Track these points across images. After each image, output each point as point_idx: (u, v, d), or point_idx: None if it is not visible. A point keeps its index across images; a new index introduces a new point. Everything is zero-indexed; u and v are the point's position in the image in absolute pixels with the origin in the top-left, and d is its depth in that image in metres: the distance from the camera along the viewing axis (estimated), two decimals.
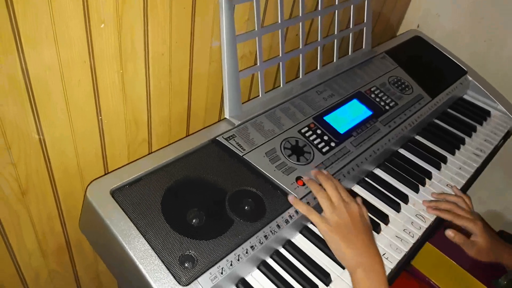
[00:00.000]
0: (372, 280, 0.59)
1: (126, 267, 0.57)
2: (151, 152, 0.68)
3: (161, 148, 0.67)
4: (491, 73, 1.16)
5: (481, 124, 1.02)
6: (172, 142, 0.69)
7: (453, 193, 0.81)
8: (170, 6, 0.59)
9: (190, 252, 0.56)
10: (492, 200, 1.34)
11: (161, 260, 0.54)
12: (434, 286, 1.15)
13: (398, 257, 0.67)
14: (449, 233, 0.76)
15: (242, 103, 0.77)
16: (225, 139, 0.71)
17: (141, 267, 0.53)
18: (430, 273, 1.25)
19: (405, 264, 0.69)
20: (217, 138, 0.71)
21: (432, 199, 0.79)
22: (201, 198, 0.63)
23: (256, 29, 0.74)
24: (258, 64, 0.77)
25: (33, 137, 0.56)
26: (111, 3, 0.52)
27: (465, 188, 0.86)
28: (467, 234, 0.78)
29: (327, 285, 0.61)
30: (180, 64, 0.68)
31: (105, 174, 0.70)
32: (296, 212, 0.66)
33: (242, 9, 0.71)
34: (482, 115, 1.05)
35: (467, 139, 0.96)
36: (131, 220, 0.57)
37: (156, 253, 0.55)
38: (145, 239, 0.56)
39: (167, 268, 0.53)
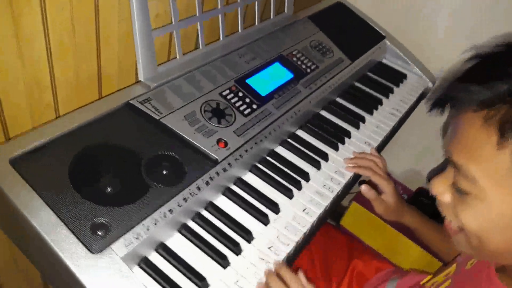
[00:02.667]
0: None
1: (35, 243, 0.52)
2: (58, 117, 0.62)
3: (68, 113, 0.62)
4: (408, 39, 1.21)
5: (397, 86, 1.07)
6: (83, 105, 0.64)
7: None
8: None
9: (102, 220, 0.53)
10: (411, 160, 1.43)
11: (70, 230, 0.50)
12: (363, 243, 1.22)
13: (318, 211, 0.69)
14: (363, 187, 0.80)
15: (159, 65, 0.73)
16: (139, 102, 0.68)
17: (47, 238, 0.49)
18: (359, 231, 1.33)
19: (325, 219, 0.72)
20: (130, 102, 0.67)
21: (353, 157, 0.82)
22: (114, 165, 0.60)
23: None
24: (173, 23, 0.73)
25: None
26: None
27: (381, 146, 0.91)
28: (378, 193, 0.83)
29: (249, 242, 0.62)
30: (84, 21, 0.63)
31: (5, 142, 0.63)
32: (217, 173, 0.64)
33: None
34: (399, 77, 1.10)
35: (384, 100, 1.00)
36: (35, 190, 0.52)
37: (64, 222, 0.51)
38: (51, 209, 0.51)
39: (76, 237, 0.50)
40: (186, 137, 0.66)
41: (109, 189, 0.57)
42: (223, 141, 0.68)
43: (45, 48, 0.59)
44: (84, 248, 0.50)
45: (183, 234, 0.60)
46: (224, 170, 0.65)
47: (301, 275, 0.60)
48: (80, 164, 0.58)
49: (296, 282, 0.58)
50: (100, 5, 0.63)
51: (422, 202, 1.33)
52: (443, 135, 0.51)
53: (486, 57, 0.49)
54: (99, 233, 0.52)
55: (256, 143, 0.72)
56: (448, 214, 0.53)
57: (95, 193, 0.56)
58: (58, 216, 0.51)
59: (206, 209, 0.64)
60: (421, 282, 0.82)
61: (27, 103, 0.62)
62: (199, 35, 0.79)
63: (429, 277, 0.82)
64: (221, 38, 0.85)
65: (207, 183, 0.63)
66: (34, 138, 0.57)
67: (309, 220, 0.67)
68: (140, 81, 0.71)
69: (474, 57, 0.50)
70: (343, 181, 0.76)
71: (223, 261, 0.58)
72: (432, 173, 0.58)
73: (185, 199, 0.59)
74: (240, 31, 0.89)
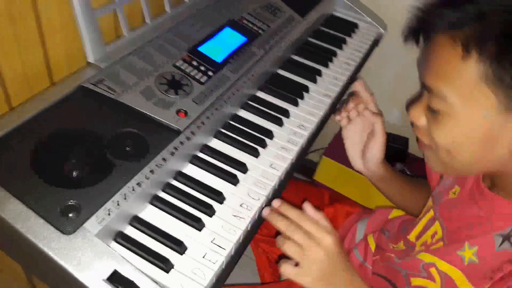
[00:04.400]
0: None
1: (9, 236, 0.53)
2: (11, 109, 0.62)
3: (20, 104, 0.61)
4: None
5: (350, 36, 1.09)
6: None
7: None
8: None
9: (71, 202, 0.54)
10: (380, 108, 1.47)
11: (40, 216, 0.51)
12: (339, 194, 1.26)
13: (284, 164, 0.71)
14: (356, 84, 0.81)
15: (107, 45, 0.72)
16: (93, 84, 0.67)
17: (18, 227, 0.50)
18: (332, 183, 1.37)
19: (293, 172, 0.74)
20: (83, 85, 0.67)
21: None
22: (76, 149, 0.60)
23: None
24: (116, 0, 0.72)
25: None
26: None
27: (338, 97, 0.92)
28: None
29: (221, 203, 0.64)
30: (21, 9, 0.61)
31: None
32: (181, 143, 0.66)
33: None
34: (350, 27, 1.11)
35: (338, 51, 1.02)
36: None
37: (32, 210, 0.51)
38: (17, 199, 0.52)
39: (47, 221, 0.51)
40: (145, 112, 0.67)
41: (74, 173, 0.57)
42: (183, 111, 0.69)
43: None
44: (57, 231, 0.51)
45: (155, 205, 0.61)
46: (188, 138, 0.67)
47: (307, 205, 0.61)
48: (41, 152, 0.58)
49: (305, 218, 0.59)
50: None
51: (390, 146, 1.38)
52: (418, 67, 0.56)
53: None
54: (70, 215, 0.53)
55: (216, 109, 0.73)
56: (423, 136, 0.58)
57: (60, 178, 0.56)
58: (26, 205, 0.51)
59: (175, 178, 0.66)
60: (390, 216, 0.86)
61: None
62: (144, 10, 0.78)
63: (397, 211, 0.86)
64: (167, 10, 0.84)
65: (172, 153, 0.64)
66: None
67: (277, 174, 0.70)
68: (90, 63, 0.70)
69: None
70: (306, 133, 0.78)
71: (197, 224, 0.60)
72: (409, 102, 0.62)
73: (152, 171, 0.61)
74: (186, 1, 0.89)
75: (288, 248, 0.57)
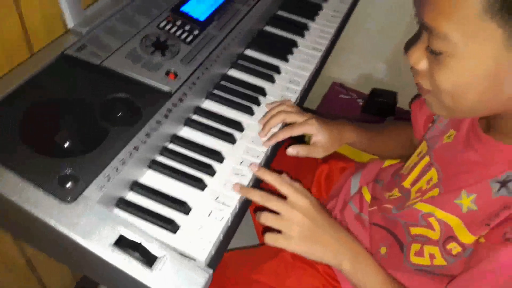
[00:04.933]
0: (361, 268, 0.59)
1: (11, 212, 0.52)
2: None
3: (1, 76, 0.58)
4: None
5: None
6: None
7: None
8: None
9: (68, 171, 0.52)
10: (358, 65, 1.46)
11: (39, 187, 0.50)
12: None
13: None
14: (290, 150, 0.68)
15: (85, 9, 0.69)
16: (75, 51, 0.64)
17: (17, 201, 0.48)
18: None
19: None
20: (65, 53, 0.64)
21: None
22: (66, 118, 0.58)
23: None
24: None
25: None
26: None
27: (328, 52, 0.91)
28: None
29: (220, 162, 0.63)
30: None
31: None
32: (174, 105, 0.64)
33: None
34: None
35: (323, 4, 0.99)
36: None
37: (30, 182, 0.50)
38: (13, 172, 0.50)
39: (47, 192, 0.49)
40: (133, 75, 0.64)
41: (67, 141, 0.55)
42: (172, 72, 0.67)
43: None
44: (57, 201, 0.49)
45: (154, 169, 0.60)
46: (180, 100, 0.65)
47: (284, 175, 0.62)
48: (31, 123, 0.55)
49: (281, 181, 0.59)
50: None
51: (378, 101, 1.38)
52: (415, 3, 0.51)
53: None
54: (68, 184, 0.51)
55: (206, 68, 0.71)
56: (424, 81, 0.54)
57: (54, 148, 0.54)
58: (22, 177, 0.50)
59: (172, 142, 0.64)
60: (383, 166, 0.86)
61: None
62: None
63: (390, 161, 0.86)
64: None
65: (166, 116, 0.62)
66: None
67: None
68: (70, 29, 0.67)
69: None
70: (299, 88, 0.77)
71: (199, 184, 0.59)
72: (407, 44, 0.58)
73: (147, 135, 0.59)
74: None
75: (265, 219, 0.57)
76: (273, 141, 0.67)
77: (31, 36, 0.67)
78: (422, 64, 0.53)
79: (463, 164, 0.59)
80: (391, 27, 1.34)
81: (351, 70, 1.48)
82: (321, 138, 0.70)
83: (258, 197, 0.58)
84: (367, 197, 0.81)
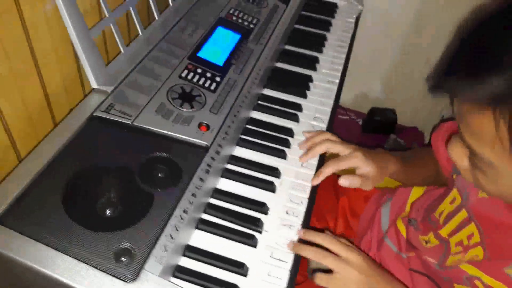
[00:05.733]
0: None
1: None
2: (25, 157, 0.55)
3: (34, 149, 0.55)
4: None
5: (333, 17, 1.07)
6: (41, 136, 0.57)
7: None
8: None
9: (122, 245, 0.49)
10: (357, 85, 1.48)
11: (95, 268, 0.47)
12: None
13: (315, 162, 0.70)
14: (342, 181, 0.69)
15: (106, 65, 0.66)
16: (103, 111, 0.62)
17: (77, 286, 0.45)
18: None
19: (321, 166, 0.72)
20: (94, 114, 0.61)
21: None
22: (108, 187, 0.55)
23: None
24: (107, 15, 0.66)
25: None
26: None
27: (341, 81, 0.92)
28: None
29: (266, 214, 0.61)
30: (16, 42, 0.54)
31: None
32: (213, 158, 0.62)
33: None
34: (331, 8, 1.10)
35: (327, 34, 1.01)
36: (40, 241, 0.47)
37: (86, 263, 0.47)
38: (66, 254, 0.47)
39: (105, 273, 0.47)
40: (166, 132, 0.62)
41: (114, 212, 0.53)
42: (204, 124, 0.65)
43: None
44: (118, 281, 0.47)
45: (202, 229, 0.58)
46: (217, 152, 0.63)
47: (327, 232, 0.61)
48: (73, 197, 0.52)
49: (330, 240, 0.59)
50: (27, 22, 0.55)
51: (378, 120, 1.40)
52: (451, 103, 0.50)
53: (474, 38, 0.45)
54: (124, 259, 0.49)
55: (235, 116, 0.70)
56: (467, 175, 0.53)
57: (100, 221, 0.52)
58: (77, 259, 0.47)
59: (212, 197, 0.63)
60: (409, 198, 0.85)
61: None
62: (135, 20, 0.73)
63: (416, 190, 0.85)
64: (156, 17, 0.79)
65: (207, 171, 0.60)
66: (12, 186, 0.51)
67: (310, 173, 0.68)
68: (94, 88, 0.64)
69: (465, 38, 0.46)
70: (324, 125, 0.77)
71: (252, 241, 0.57)
72: (449, 138, 0.55)
73: (193, 195, 0.57)
74: (171, 4, 0.83)
75: (320, 280, 0.58)
76: (321, 178, 0.67)
77: (52, 100, 0.65)
78: (464, 162, 0.52)
79: (507, 230, 0.56)
80: (382, 47, 1.37)
81: (348, 91, 1.50)
82: (368, 171, 0.69)
83: (312, 254, 0.58)
84: (403, 231, 0.78)
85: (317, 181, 0.67)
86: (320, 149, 0.69)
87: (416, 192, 0.85)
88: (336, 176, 0.99)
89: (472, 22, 0.45)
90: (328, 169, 0.68)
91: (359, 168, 0.69)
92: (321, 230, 0.62)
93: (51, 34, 0.60)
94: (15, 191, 0.50)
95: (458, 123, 0.49)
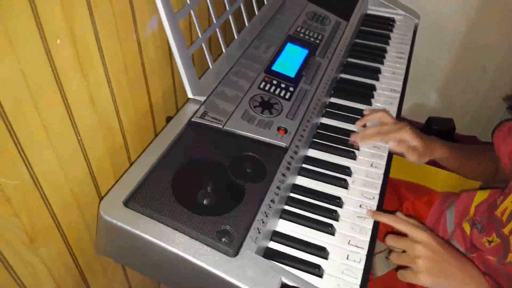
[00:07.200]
0: None
1: (175, 266, 0.57)
2: (139, 156, 0.66)
3: (145, 149, 0.66)
4: None
5: (391, 31, 1.14)
6: (144, 137, 0.68)
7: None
8: (112, 6, 0.57)
9: (223, 227, 0.58)
10: (413, 95, 1.52)
11: (205, 244, 0.56)
12: (400, 180, 1.25)
13: (383, 162, 0.76)
14: (391, 145, 0.77)
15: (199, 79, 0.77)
16: (199, 117, 0.72)
17: (191, 258, 0.54)
18: (400, 174, 1.39)
19: (389, 167, 0.79)
20: (192, 120, 0.72)
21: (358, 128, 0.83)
22: (208, 178, 0.65)
23: (188, 2, 0.73)
24: (200, 35, 0.77)
25: (25, 179, 0.52)
26: (59, 15, 0.49)
27: (403, 91, 0.97)
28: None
29: (341, 207, 0.68)
30: (132, 58, 0.66)
31: (104, 195, 0.67)
32: (291, 157, 0.70)
33: None
34: (389, 23, 1.17)
35: (387, 47, 1.07)
36: (160, 221, 0.57)
37: (197, 240, 0.56)
38: (181, 232, 0.57)
39: (212, 248, 0.56)
40: (252, 135, 0.71)
41: (213, 200, 0.62)
42: (282, 128, 0.74)
43: (109, 93, 0.63)
44: (224, 255, 0.55)
45: (285, 219, 0.66)
46: (295, 152, 0.71)
47: (398, 213, 0.67)
48: (178, 187, 0.62)
49: (398, 220, 0.65)
50: (141, 39, 0.66)
51: (436, 129, 1.43)
52: None
53: None
54: (225, 239, 0.57)
55: (308, 121, 0.78)
56: None
57: (203, 207, 0.61)
58: (189, 236, 0.56)
59: (292, 191, 0.71)
60: (474, 202, 0.88)
61: (107, 151, 0.66)
62: (220, 40, 0.83)
63: (480, 194, 0.88)
64: (235, 37, 0.89)
65: (288, 168, 0.69)
66: (131, 178, 0.61)
67: (380, 172, 0.74)
68: (190, 99, 0.75)
69: None
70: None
71: (330, 229, 0.64)
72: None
73: (278, 187, 0.65)
74: (247, 25, 0.94)
75: (395, 259, 0.64)
76: (365, 142, 0.78)
77: (154, 108, 0.76)
78: None
79: None
80: (439, 55, 1.41)
81: (404, 101, 1.54)
82: (416, 144, 0.77)
83: (386, 219, 0.65)
84: (469, 233, 0.82)
85: (359, 142, 0.77)
86: (374, 140, 0.78)
87: (480, 196, 0.88)
88: (398, 182, 1.04)
89: None
90: (376, 137, 0.77)
91: (407, 141, 0.77)
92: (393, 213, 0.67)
93: (156, 51, 0.72)
94: (135, 180, 0.61)
95: None
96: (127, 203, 0.59)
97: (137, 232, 0.56)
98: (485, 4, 1.26)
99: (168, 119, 0.73)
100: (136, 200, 0.59)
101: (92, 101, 0.59)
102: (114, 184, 0.60)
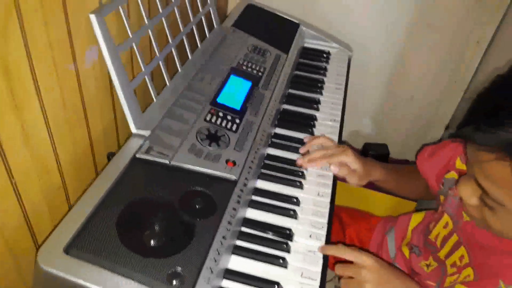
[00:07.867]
0: None
1: None
2: (79, 197, 0.61)
3: (86, 190, 0.62)
4: (319, 18, 1.35)
5: (328, 63, 1.20)
6: (84, 177, 0.64)
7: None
8: (47, 35, 0.54)
9: (173, 269, 0.56)
10: (351, 122, 1.59)
11: None
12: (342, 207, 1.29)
13: (328, 190, 0.78)
14: (334, 169, 0.80)
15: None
16: (144, 153, 0.69)
17: None
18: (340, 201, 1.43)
19: (334, 194, 0.81)
20: (136, 156, 0.69)
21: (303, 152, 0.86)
22: (153, 218, 0.62)
23: (130, 35, 0.71)
24: (143, 69, 0.75)
25: None
26: None
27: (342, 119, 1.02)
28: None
29: (291, 239, 0.69)
30: (71, 93, 0.63)
31: (41, 243, 0.61)
32: (241, 190, 0.70)
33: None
34: (325, 55, 1.23)
35: (324, 78, 1.12)
36: (105, 268, 0.53)
37: (146, 285, 0.53)
38: (129, 278, 0.53)
39: None
40: (200, 168, 0.70)
41: (162, 240, 0.59)
42: (231, 160, 0.73)
43: (46, 132, 0.59)
44: None
45: (238, 255, 0.65)
46: (245, 185, 0.71)
47: (340, 244, 0.69)
48: (124, 229, 0.59)
49: (343, 250, 0.67)
50: (80, 73, 0.63)
51: (372, 155, 1.50)
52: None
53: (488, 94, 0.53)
54: (176, 282, 0.55)
55: (256, 152, 0.78)
56: (474, 212, 0.58)
57: (152, 249, 0.58)
58: (139, 282, 0.53)
59: (243, 225, 0.70)
60: (410, 225, 0.93)
61: (42, 193, 0.61)
62: (164, 73, 0.82)
63: (415, 216, 0.93)
64: (179, 69, 0.88)
65: (238, 202, 0.68)
66: (72, 222, 0.57)
67: (326, 201, 0.76)
68: (133, 133, 0.72)
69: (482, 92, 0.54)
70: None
71: (283, 262, 0.64)
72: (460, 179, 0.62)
73: (229, 222, 0.64)
74: (190, 57, 0.93)
75: (345, 285, 0.68)
76: (312, 165, 0.81)
77: (94, 145, 0.72)
78: (473, 201, 0.57)
79: (490, 251, 0.63)
80: (370, 85, 1.50)
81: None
82: (356, 167, 0.81)
83: (334, 251, 0.67)
84: (408, 257, 0.86)
85: (306, 165, 0.80)
86: (319, 164, 0.81)
87: (415, 219, 0.93)
88: (340, 209, 1.07)
89: (490, 83, 0.53)
90: (321, 162, 0.80)
91: (348, 164, 0.81)
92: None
93: (96, 84, 0.69)
94: (76, 224, 0.57)
95: (470, 166, 0.55)
96: (68, 250, 0.54)
97: (80, 281, 0.52)
98: (409, 39, 1.38)
99: (110, 156, 0.69)
100: (78, 246, 0.55)
101: (26, 139, 0.55)
102: (53, 230, 0.55)
